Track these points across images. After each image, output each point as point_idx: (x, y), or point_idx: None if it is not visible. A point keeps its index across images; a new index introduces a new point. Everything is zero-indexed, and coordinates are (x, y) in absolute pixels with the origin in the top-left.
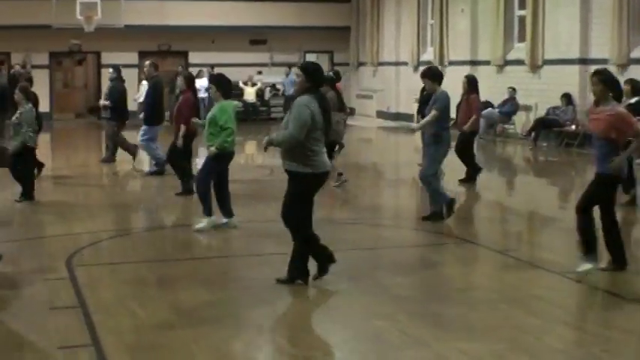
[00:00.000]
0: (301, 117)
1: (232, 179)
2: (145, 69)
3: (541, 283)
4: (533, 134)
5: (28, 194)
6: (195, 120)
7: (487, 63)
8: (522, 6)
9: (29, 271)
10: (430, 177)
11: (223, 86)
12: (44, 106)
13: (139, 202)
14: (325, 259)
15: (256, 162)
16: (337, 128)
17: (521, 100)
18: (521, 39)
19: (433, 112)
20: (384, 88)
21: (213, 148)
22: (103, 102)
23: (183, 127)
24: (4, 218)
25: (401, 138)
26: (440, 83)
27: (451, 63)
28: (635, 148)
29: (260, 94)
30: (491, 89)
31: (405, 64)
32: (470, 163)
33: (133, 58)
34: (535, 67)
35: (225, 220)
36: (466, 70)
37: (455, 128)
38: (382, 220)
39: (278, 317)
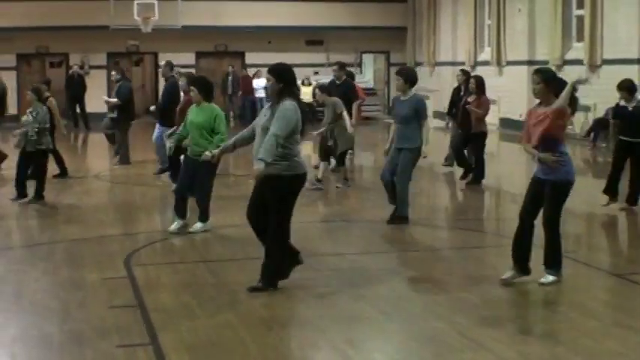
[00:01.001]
0: (290, 120)
1: None
2: (161, 69)
3: (600, 285)
4: (592, 135)
5: (22, 194)
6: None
7: (545, 63)
8: (580, 5)
9: (88, 270)
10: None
11: (205, 89)
12: (101, 107)
13: (194, 203)
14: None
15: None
16: (352, 134)
17: (579, 100)
18: (580, 39)
19: (426, 123)
20: (441, 88)
21: (207, 153)
22: (108, 99)
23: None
24: (64, 217)
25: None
26: (412, 86)
27: (509, 63)
28: None
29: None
30: None
31: (462, 64)
32: (464, 162)
33: (190, 58)
34: (594, 67)
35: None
36: (523, 70)
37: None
38: (439, 221)
39: (335, 317)
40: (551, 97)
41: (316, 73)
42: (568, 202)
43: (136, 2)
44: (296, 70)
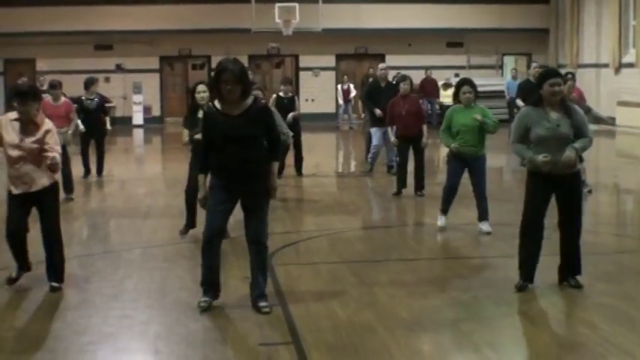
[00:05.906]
0: None
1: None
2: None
3: None
4: None
5: None
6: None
7: None
8: None
9: (230, 268)
10: None
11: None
12: None
13: (338, 203)
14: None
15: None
16: None
17: None
18: None
19: None
20: (584, 90)
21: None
22: None
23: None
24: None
25: (601, 141)
26: None
27: None
28: None
29: None
30: None
31: (606, 66)
32: None
33: (330, 60)
34: None
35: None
36: None
37: None
38: (583, 225)
39: (479, 321)
40: None
41: (457, 75)
42: None
43: (277, 5)
44: (436, 72)
